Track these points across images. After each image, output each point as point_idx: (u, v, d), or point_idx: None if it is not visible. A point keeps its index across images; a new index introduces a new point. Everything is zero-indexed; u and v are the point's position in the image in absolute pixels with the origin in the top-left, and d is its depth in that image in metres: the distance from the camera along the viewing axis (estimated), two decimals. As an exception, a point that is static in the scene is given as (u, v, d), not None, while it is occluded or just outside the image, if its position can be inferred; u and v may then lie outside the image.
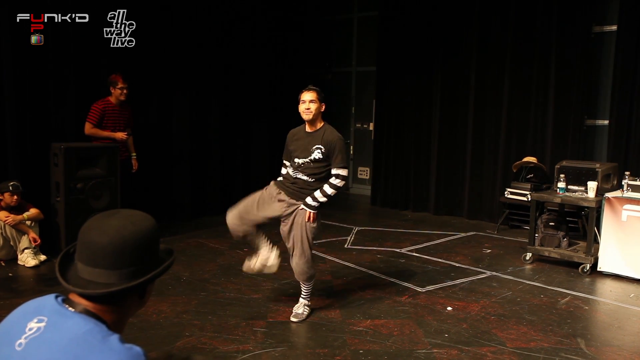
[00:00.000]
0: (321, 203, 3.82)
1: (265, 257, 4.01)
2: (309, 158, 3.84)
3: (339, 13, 9.46)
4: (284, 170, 4.07)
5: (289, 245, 3.93)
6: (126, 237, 1.30)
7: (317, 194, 3.81)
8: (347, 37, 9.46)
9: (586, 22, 6.75)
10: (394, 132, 8.38)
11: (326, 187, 3.82)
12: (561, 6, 6.80)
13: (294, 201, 3.87)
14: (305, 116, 3.84)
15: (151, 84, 6.70)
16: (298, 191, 3.87)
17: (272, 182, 4.05)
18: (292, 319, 3.94)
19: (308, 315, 4.01)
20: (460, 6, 7.59)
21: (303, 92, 3.88)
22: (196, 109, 7.26)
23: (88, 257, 1.29)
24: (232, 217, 3.92)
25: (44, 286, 4.53)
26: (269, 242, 4.05)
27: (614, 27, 6.71)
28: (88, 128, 5.61)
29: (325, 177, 3.86)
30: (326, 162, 3.84)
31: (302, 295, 4.05)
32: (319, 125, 3.90)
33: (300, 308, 4.01)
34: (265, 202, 3.92)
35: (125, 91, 5.70)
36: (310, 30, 9.19)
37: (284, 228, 3.94)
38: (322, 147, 3.79)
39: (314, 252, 4.01)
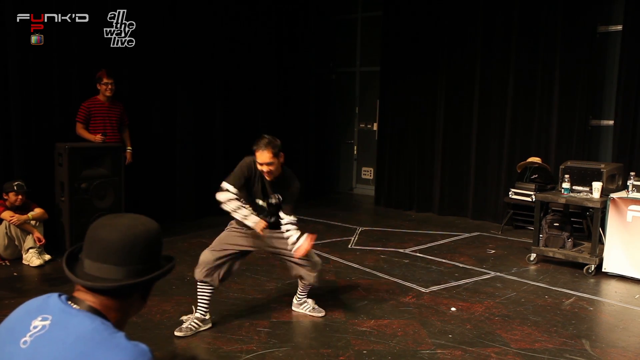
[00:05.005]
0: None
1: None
2: (269, 201, 3.74)
3: (343, 13, 9.46)
4: (230, 203, 3.63)
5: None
6: (137, 234, 1.33)
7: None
8: (351, 37, 9.46)
9: (591, 21, 6.73)
10: (397, 132, 8.37)
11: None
12: (566, 6, 6.78)
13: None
14: (267, 177, 3.63)
15: (152, 84, 6.68)
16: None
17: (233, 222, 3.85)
18: (316, 315, 4.05)
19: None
20: (464, 6, 7.58)
21: (256, 149, 3.56)
22: (199, 109, 7.25)
23: (98, 253, 1.31)
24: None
25: (49, 286, 4.53)
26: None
27: (619, 27, 6.70)
28: (77, 128, 5.60)
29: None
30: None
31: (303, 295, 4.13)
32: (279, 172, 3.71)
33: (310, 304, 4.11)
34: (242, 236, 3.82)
35: (110, 86, 5.62)
36: (314, 30, 9.19)
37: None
38: (281, 197, 3.71)
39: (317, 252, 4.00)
